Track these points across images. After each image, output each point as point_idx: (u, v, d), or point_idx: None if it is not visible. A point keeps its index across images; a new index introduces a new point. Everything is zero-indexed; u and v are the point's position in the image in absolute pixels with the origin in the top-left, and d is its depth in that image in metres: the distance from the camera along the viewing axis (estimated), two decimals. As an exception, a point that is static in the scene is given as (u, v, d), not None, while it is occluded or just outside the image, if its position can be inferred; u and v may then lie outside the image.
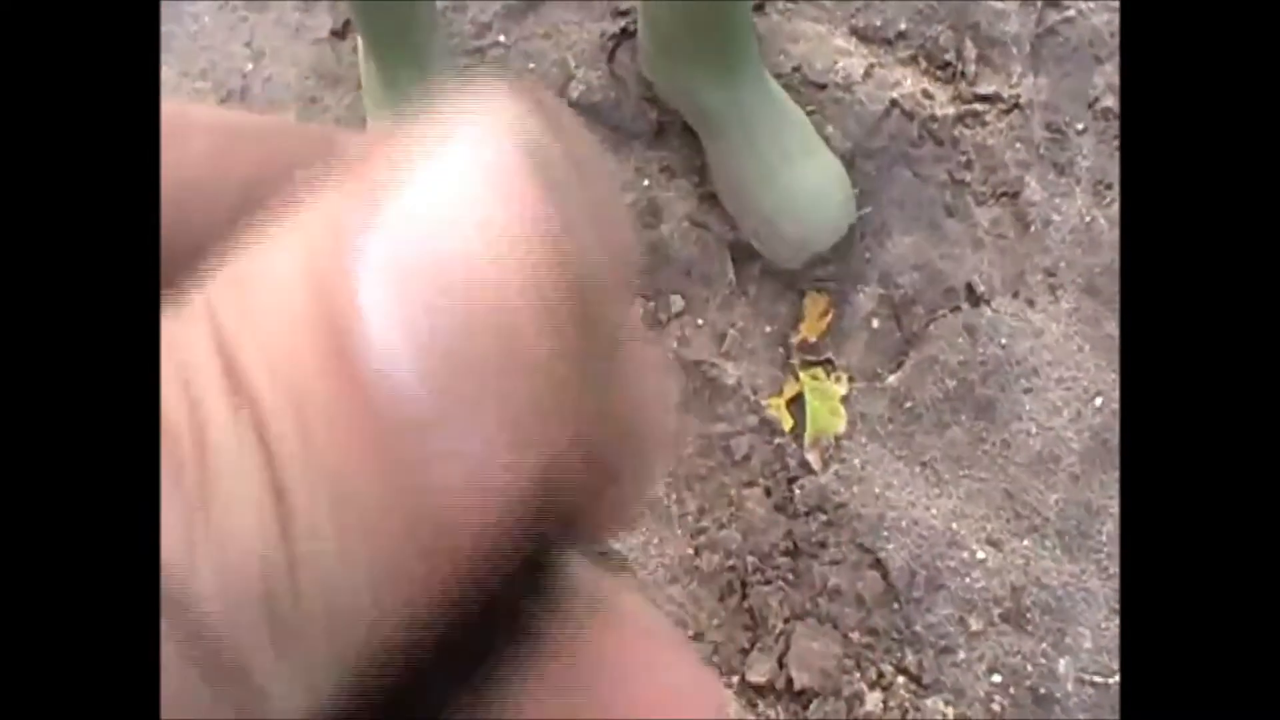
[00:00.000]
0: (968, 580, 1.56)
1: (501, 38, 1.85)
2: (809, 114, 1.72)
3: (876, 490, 1.60)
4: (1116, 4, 1.83)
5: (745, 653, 1.53)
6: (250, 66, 1.87)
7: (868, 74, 1.81)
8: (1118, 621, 1.55)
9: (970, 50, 1.82)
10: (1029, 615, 1.55)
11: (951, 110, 1.79)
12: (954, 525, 1.59)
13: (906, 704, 1.51)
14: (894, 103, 1.79)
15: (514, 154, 0.17)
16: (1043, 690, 1.51)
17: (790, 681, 1.50)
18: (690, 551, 1.58)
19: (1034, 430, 1.63)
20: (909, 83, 1.81)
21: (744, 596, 1.55)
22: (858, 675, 1.52)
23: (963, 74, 1.81)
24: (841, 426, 1.64)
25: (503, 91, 0.18)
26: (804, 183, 1.65)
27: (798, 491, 1.59)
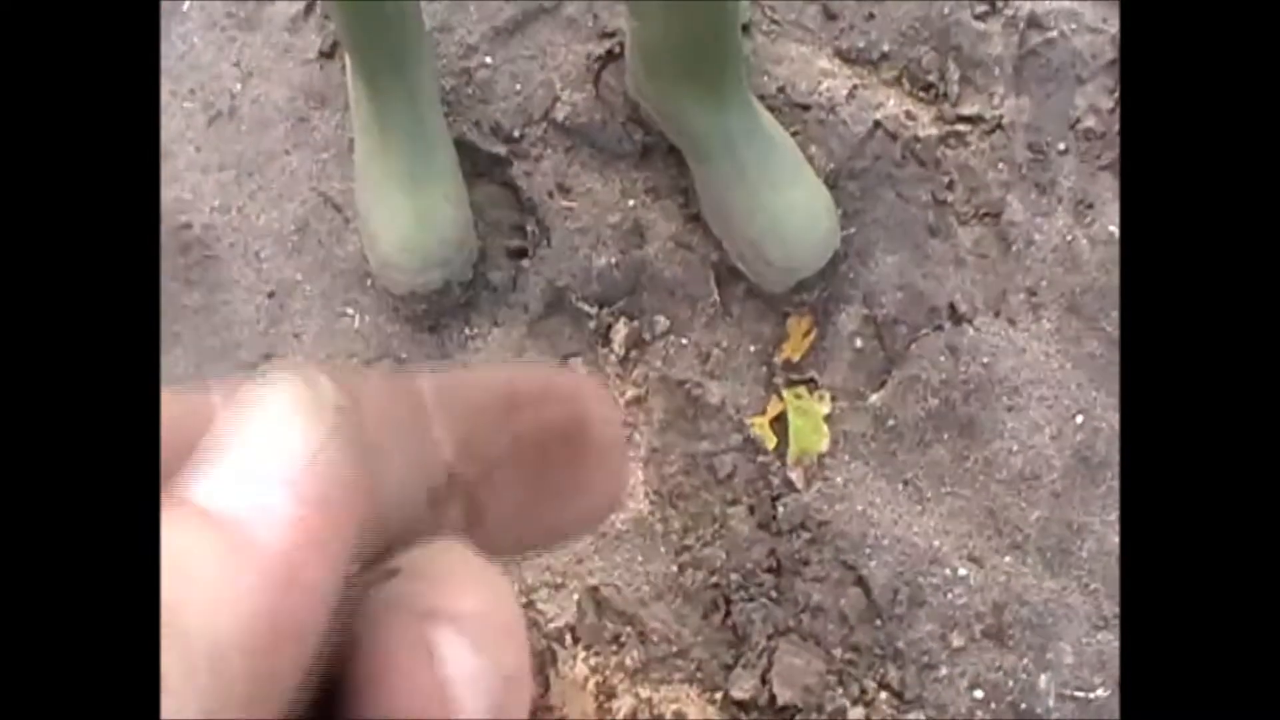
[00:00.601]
0: (950, 597, 1.58)
1: (488, 59, 1.86)
2: (792, 135, 1.73)
3: (859, 508, 1.61)
4: (1098, 25, 1.84)
5: (729, 669, 1.54)
6: (239, 86, 1.88)
7: (851, 95, 1.83)
8: (1099, 637, 1.56)
9: (953, 71, 1.83)
10: (1010, 631, 1.56)
11: (934, 131, 1.81)
12: (936, 542, 1.60)
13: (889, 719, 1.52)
14: (877, 124, 1.80)
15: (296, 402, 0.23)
16: (1024, 706, 1.53)
17: (774, 698, 1.51)
18: (674, 569, 1.59)
19: (1016, 448, 1.64)
20: (892, 104, 1.83)
21: (727, 614, 1.56)
22: (840, 691, 1.53)
23: (945, 95, 1.83)
24: (825, 445, 1.65)
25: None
26: (791, 210, 1.66)
27: (781, 509, 1.60)
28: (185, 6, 1.91)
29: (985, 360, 1.68)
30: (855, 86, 1.84)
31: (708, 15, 1.56)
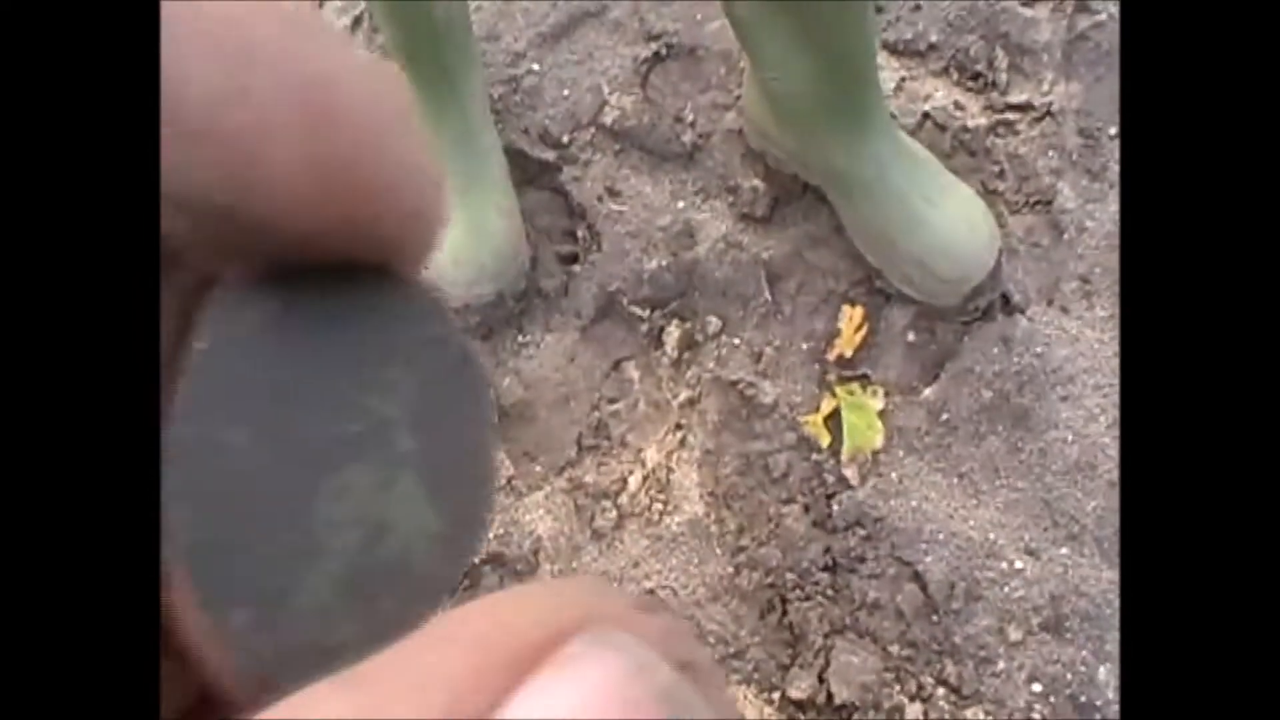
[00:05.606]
0: (1006, 590, 1.58)
1: (535, 65, 1.88)
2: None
3: (914, 503, 1.62)
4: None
5: (786, 669, 1.55)
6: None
7: (900, 87, 1.83)
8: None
9: (1001, 59, 1.82)
10: (1068, 624, 1.56)
11: (984, 120, 1.80)
12: (992, 536, 1.60)
13: (947, 715, 1.52)
14: (926, 115, 1.80)
15: (637, 684, 0.18)
16: (1083, 698, 1.52)
17: (831, 697, 1.52)
18: (730, 570, 1.60)
19: (1071, 438, 1.64)
20: (941, 95, 1.82)
21: (784, 613, 1.57)
22: (898, 688, 1.53)
23: (994, 84, 1.82)
24: (879, 441, 1.65)
25: (625, 605, 0.19)
26: (951, 219, 1.64)
27: (836, 507, 1.61)
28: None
29: (1039, 350, 1.67)
30: (903, 79, 1.83)
31: (853, 47, 1.50)
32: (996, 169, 1.77)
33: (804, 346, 1.71)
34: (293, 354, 0.21)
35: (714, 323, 1.71)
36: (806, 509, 1.62)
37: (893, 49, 1.86)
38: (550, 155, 1.82)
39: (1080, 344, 1.68)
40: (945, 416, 1.66)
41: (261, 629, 0.20)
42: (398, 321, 0.22)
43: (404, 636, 0.17)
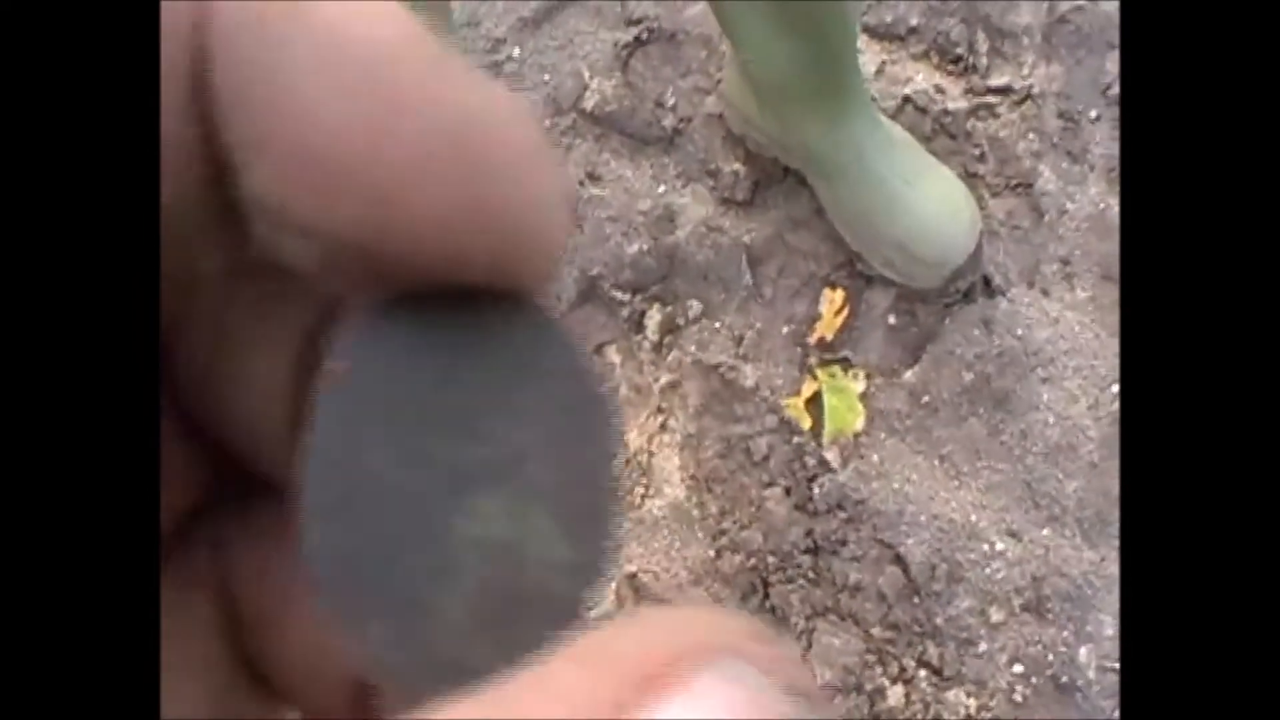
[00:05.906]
0: (988, 572, 1.58)
1: (516, 51, 1.88)
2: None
3: (896, 485, 1.62)
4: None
5: (768, 651, 1.55)
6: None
7: (880, 71, 1.83)
8: (1139, 608, 1.55)
9: (982, 43, 1.82)
10: (1050, 604, 1.56)
11: (964, 104, 1.80)
12: (973, 517, 1.60)
13: (929, 697, 1.52)
14: (907, 99, 1.80)
15: (754, 710, 0.18)
16: (1064, 679, 1.53)
17: (813, 679, 1.52)
18: (711, 553, 1.60)
19: (1052, 420, 1.64)
20: (921, 78, 1.82)
21: (766, 596, 1.57)
22: (880, 670, 1.53)
23: (974, 67, 1.82)
24: (860, 424, 1.65)
25: (744, 634, 0.19)
26: (932, 202, 1.64)
27: (817, 490, 1.61)
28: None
29: (1019, 332, 1.68)
30: (884, 62, 1.83)
31: (834, 30, 1.49)
32: (977, 152, 1.77)
33: (785, 330, 1.71)
34: (426, 378, 0.21)
35: (695, 306, 1.71)
36: (788, 492, 1.62)
37: (873, 32, 1.85)
38: (531, 140, 1.82)
39: (1061, 326, 1.68)
40: (926, 399, 1.66)
41: (398, 643, 0.21)
42: (528, 349, 0.22)
43: (536, 659, 0.18)
